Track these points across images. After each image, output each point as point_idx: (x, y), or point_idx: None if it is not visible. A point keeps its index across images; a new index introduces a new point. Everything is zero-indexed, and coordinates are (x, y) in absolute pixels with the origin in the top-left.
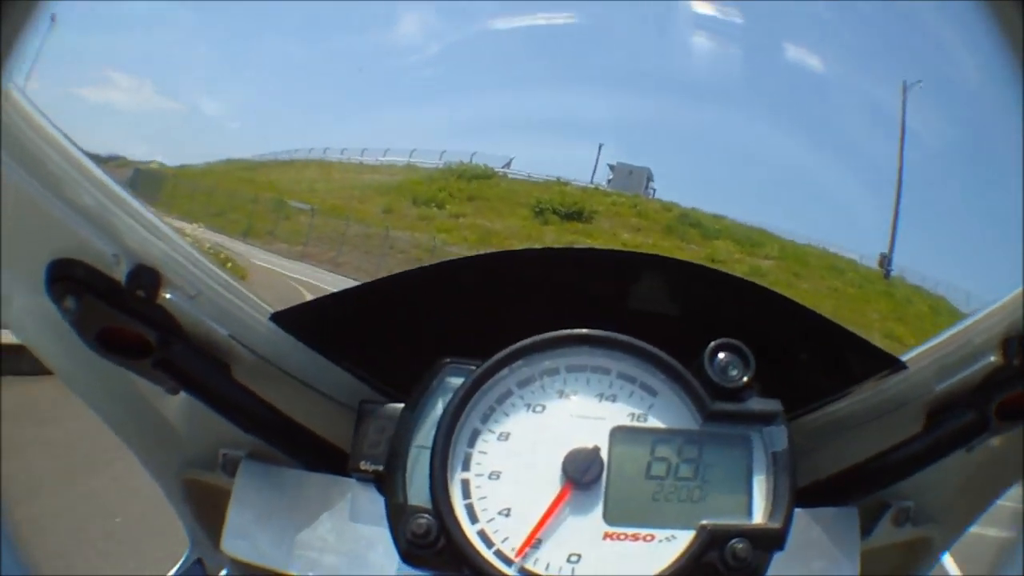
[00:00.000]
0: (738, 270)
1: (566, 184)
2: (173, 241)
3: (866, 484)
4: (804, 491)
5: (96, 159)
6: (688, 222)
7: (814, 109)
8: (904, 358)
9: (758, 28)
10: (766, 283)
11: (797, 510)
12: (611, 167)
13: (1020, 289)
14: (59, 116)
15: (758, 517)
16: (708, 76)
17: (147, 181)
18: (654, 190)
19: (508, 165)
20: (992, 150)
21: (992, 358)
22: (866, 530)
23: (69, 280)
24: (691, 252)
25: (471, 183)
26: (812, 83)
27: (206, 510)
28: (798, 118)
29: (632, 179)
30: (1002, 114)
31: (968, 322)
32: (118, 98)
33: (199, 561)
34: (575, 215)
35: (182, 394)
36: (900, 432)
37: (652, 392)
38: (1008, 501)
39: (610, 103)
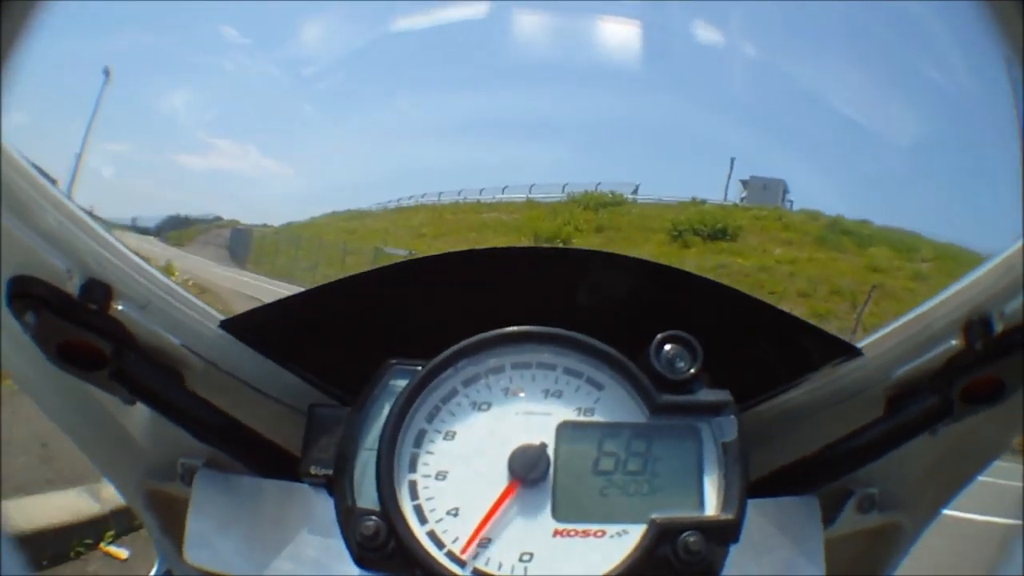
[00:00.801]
0: (900, 276)
1: (702, 203)
2: (122, 254)
3: (826, 471)
4: (763, 481)
5: (196, 221)
6: (838, 230)
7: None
8: (860, 345)
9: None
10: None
11: (756, 500)
12: (744, 183)
13: (980, 272)
14: (165, 180)
15: (710, 509)
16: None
17: (240, 240)
18: (791, 202)
19: (635, 191)
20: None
21: (953, 342)
22: (830, 518)
23: (28, 296)
24: (849, 262)
25: (599, 212)
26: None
27: (170, 520)
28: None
29: (767, 192)
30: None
31: (926, 307)
32: (223, 163)
33: (168, 572)
34: (719, 234)
35: (141, 405)
36: (860, 419)
37: (599, 387)
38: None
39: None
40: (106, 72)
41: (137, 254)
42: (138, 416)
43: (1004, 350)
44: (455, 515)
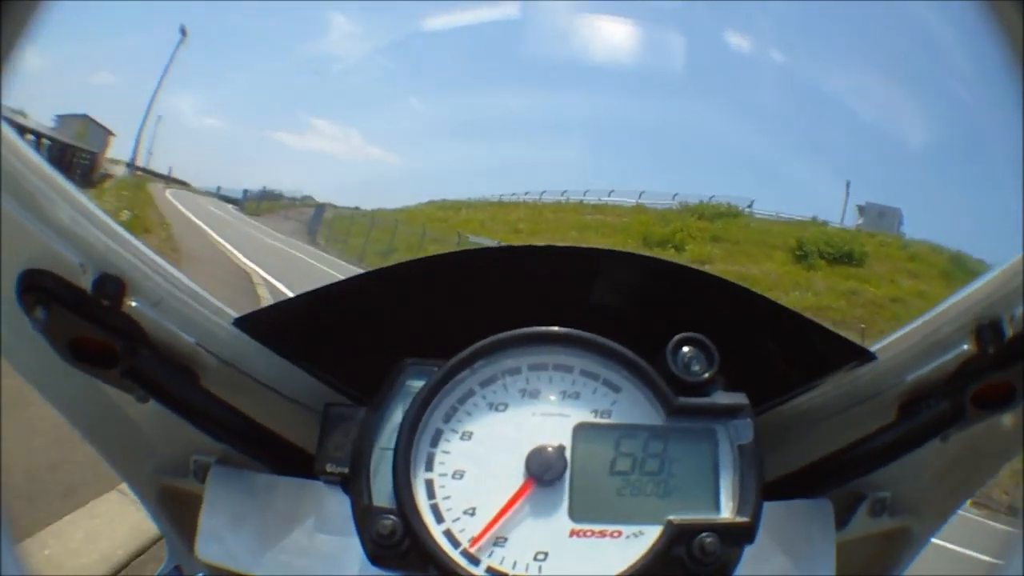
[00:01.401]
0: None
1: (824, 224)
2: (137, 249)
3: (839, 475)
4: (776, 483)
5: (283, 197)
6: (962, 266)
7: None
8: (873, 348)
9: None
10: None
11: (770, 503)
12: (860, 208)
13: (990, 276)
14: (261, 157)
15: (726, 511)
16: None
17: (317, 218)
18: (903, 233)
19: (751, 206)
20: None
21: (965, 346)
22: (842, 521)
23: (39, 290)
24: None
25: (714, 223)
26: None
27: (181, 516)
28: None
29: (883, 220)
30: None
31: (938, 310)
32: (323, 145)
33: (177, 568)
34: (845, 258)
35: (152, 402)
36: (873, 423)
37: (615, 388)
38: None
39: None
40: (182, 31)
41: (151, 249)
42: (150, 413)
43: (1016, 355)
44: (472, 514)
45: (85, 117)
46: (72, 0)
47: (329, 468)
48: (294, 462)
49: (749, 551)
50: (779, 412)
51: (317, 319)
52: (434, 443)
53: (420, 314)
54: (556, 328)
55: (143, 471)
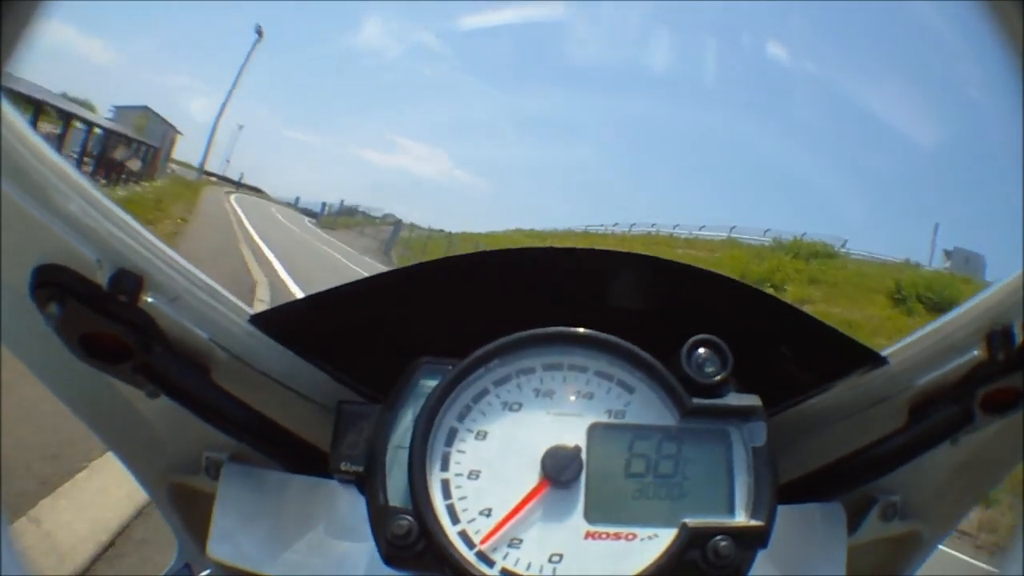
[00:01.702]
0: None
1: (917, 266)
2: (154, 245)
3: (850, 479)
4: (787, 486)
5: (362, 213)
6: None
7: None
8: (885, 353)
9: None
10: None
11: (783, 506)
12: (947, 252)
13: (1002, 283)
14: (341, 174)
15: (740, 514)
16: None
17: (393, 236)
18: (988, 280)
19: (844, 245)
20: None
21: (975, 352)
22: (853, 525)
23: (53, 285)
24: None
25: (810, 263)
26: None
27: (192, 514)
28: None
29: (969, 265)
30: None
31: (949, 317)
32: (409, 165)
33: (187, 566)
34: (945, 304)
35: (164, 398)
36: (883, 426)
37: (630, 389)
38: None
39: None
40: (258, 32)
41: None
42: (162, 409)
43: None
44: (487, 515)
45: (145, 109)
46: (72, 0)
47: (344, 467)
48: (307, 460)
49: (761, 554)
50: (791, 415)
51: (332, 318)
52: (449, 442)
53: (435, 314)
54: (571, 328)
55: (154, 468)
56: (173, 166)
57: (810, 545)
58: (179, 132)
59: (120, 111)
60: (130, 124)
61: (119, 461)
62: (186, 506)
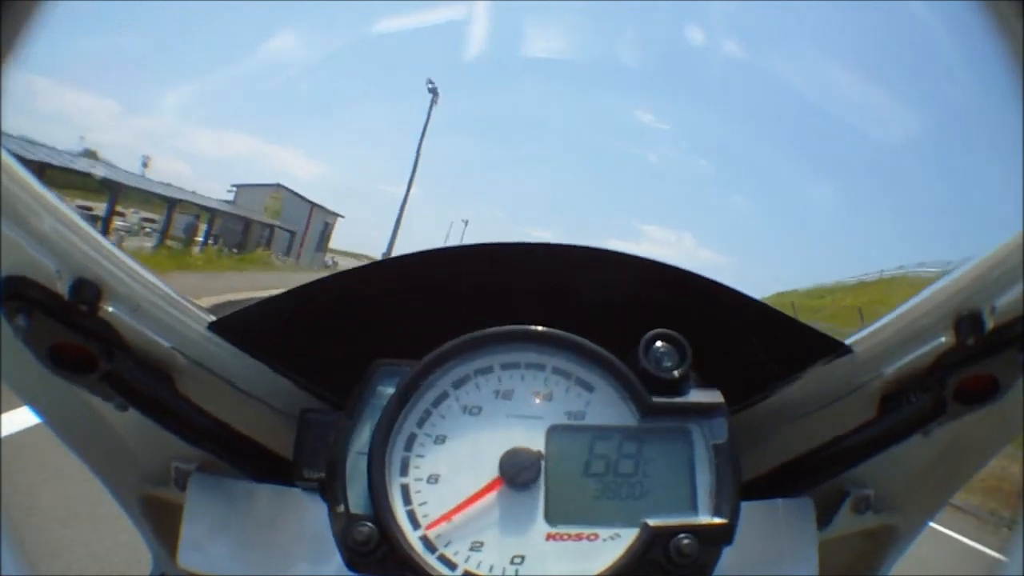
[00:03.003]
0: None
1: None
2: (113, 254)
3: (819, 472)
4: (756, 482)
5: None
6: None
7: None
8: (849, 341)
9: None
10: None
11: (750, 503)
12: None
13: (968, 266)
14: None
15: (703, 512)
16: None
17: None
18: None
19: None
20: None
21: (943, 339)
22: (825, 519)
23: (20, 298)
24: None
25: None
26: None
27: (164, 525)
28: None
29: None
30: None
31: (914, 302)
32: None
33: None
34: None
35: (132, 409)
36: (853, 418)
37: (589, 387)
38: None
39: None
40: (433, 90)
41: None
42: (131, 420)
43: (997, 346)
44: (448, 519)
45: (278, 187)
46: (72, 0)
47: (306, 475)
48: (273, 468)
49: (729, 552)
50: (757, 409)
51: (291, 321)
52: (408, 447)
53: (393, 315)
54: (526, 326)
55: (125, 480)
56: (334, 257)
57: (780, 541)
58: (338, 215)
59: (243, 191)
60: (257, 204)
61: (92, 474)
62: (158, 517)
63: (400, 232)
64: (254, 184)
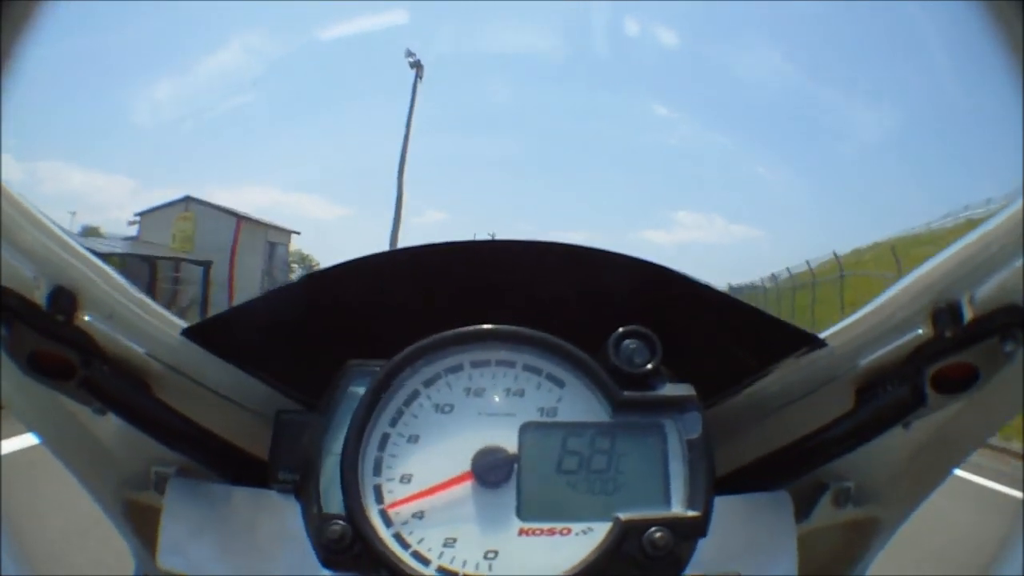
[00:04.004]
0: None
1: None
2: (88, 261)
3: (796, 466)
4: (732, 476)
5: None
6: None
7: None
8: (824, 335)
9: None
10: None
11: (726, 497)
12: None
13: (942, 257)
14: None
15: (677, 506)
16: None
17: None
18: None
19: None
20: None
21: (920, 330)
22: (805, 512)
23: (2, 308)
24: None
25: None
26: None
27: (144, 528)
28: None
29: None
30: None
31: (890, 294)
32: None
33: None
34: None
35: (112, 416)
36: (830, 411)
37: (560, 383)
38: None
39: None
40: (415, 64)
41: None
42: (111, 426)
43: (975, 336)
44: (420, 517)
45: (187, 201)
46: (72, 0)
47: (281, 476)
48: (250, 471)
49: (706, 546)
50: (732, 403)
51: (263, 325)
52: (381, 447)
53: (364, 315)
54: (497, 326)
55: (107, 485)
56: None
57: (758, 534)
58: (292, 231)
59: (149, 218)
60: (165, 231)
61: (73, 478)
62: (139, 521)
63: (401, 232)
64: (160, 206)
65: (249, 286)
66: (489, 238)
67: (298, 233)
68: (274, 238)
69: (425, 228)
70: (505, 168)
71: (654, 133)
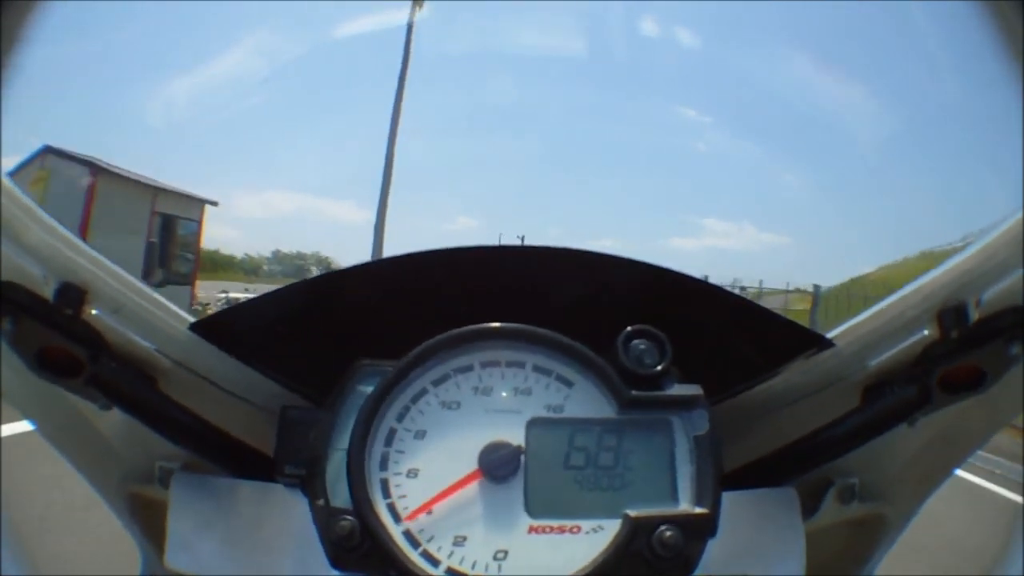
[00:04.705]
0: None
1: None
2: (95, 258)
3: (802, 462)
4: (739, 473)
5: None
6: None
7: None
8: (831, 335)
9: None
10: None
11: (733, 493)
12: None
13: (952, 262)
14: None
15: (684, 503)
16: None
17: None
18: None
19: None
20: None
21: (927, 332)
22: (812, 509)
23: (7, 303)
24: None
25: None
26: None
27: (151, 524)
28: None
29: None
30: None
31: (898, 296)
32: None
33: None
34: None
35: (117, 410)
36: (837, 410)
37: (568, 383)
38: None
39: None
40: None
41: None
42: (116, 421)
43: (982, 338)
44: (429, 513)
45: (45, 153)
46: (72, 0)
47: (288, 471)
48: (256, 466)
49: (714, 543)
50: (740, 401)
51: (272, 322)
52: (388, 443)
53: (375, 315)
54: (506, 324)
55: (111, 480)
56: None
57: (765, 531)
58: (208, 201)
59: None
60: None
61: (78, 473)
62: (145, 517)
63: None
64: (22, 163)
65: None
66: (519, 243)
67: (214, 204)
68: (170, 208)
69: (456, 234)
70: (535, 174)
71: (683, 138)
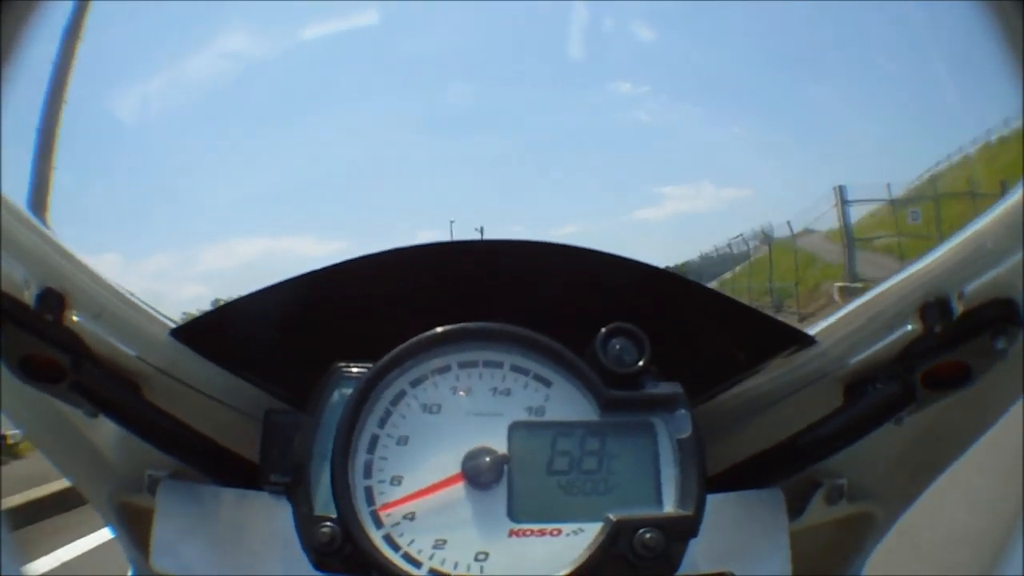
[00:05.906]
0: None
1: None
2: (75, 261)
3: (788, 463)
4: (724, 475)
5: None
6: None
7: None
8: (813, 332)
9: None
10: None
11: (717, 495)
12: None
13: (934, 255)
14: None
15: (668, 505)
16: None
17: None
18: None
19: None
20: None
21: (910, 327)
22: (798, 509)
23: None
24: None
25: None
26: None
27: (139, 531)
28: None
29: None
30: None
31: (879, 290)
32: None
33: None
34: None
35: (106, 419)
36: (822, 409)
37: (547, 383)
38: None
39: None
40: None
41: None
42: (105, 429)
43: (966, 333)
44: (411, 519)
45: None
46: (73, 0)
47: (273, 478)
48: (242, 472)
49: (697, 544)
50: (722, 401)
51: (252, 326)
52: (371, 449)
53: (352, 316)
54: (478, 324)
55: (102, 488)
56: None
57: (750, 532)
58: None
59: None
60: None
61: (69, 481)
62: (134, 524)
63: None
64: None
65: None
66: (477, 238)
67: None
68: None
69: (409, 235)
70: (488, 170)
71: (624, 112)
